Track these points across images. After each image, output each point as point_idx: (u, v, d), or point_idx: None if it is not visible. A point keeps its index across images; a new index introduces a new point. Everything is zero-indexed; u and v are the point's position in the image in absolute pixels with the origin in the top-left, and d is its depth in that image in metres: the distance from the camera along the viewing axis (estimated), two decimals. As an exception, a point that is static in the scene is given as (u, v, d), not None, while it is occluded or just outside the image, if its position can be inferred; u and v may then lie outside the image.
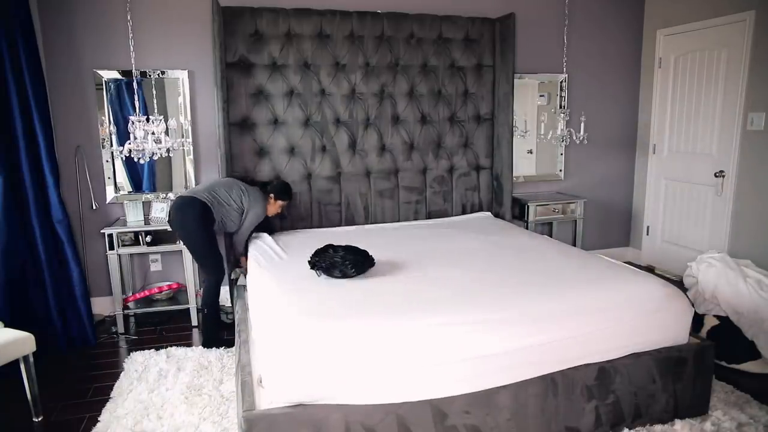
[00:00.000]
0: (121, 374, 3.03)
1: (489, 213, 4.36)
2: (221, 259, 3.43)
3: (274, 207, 3.58)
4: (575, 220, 4.54)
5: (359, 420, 2.00)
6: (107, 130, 3.68)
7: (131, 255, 3.95)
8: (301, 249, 3.11)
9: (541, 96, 4.70)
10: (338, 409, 1.98)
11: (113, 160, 3.81)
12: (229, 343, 3.30)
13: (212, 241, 3.32)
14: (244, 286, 3.37)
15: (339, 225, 4.05)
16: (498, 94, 4.28)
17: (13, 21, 3.09)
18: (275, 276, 2.74)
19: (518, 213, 4.43)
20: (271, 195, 3.54)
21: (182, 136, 3.87)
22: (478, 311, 2.19)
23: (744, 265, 3.31)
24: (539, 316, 2.21)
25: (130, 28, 3.56)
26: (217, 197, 3.33)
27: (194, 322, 3.78)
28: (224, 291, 4.12)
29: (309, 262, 2.69)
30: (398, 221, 4.16)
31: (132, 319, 3.91)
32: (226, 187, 3.41)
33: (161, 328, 3.75)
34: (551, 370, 2.21)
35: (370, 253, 2.71)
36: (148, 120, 3.23)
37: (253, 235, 3.59)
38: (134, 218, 3.79)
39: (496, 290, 2.43)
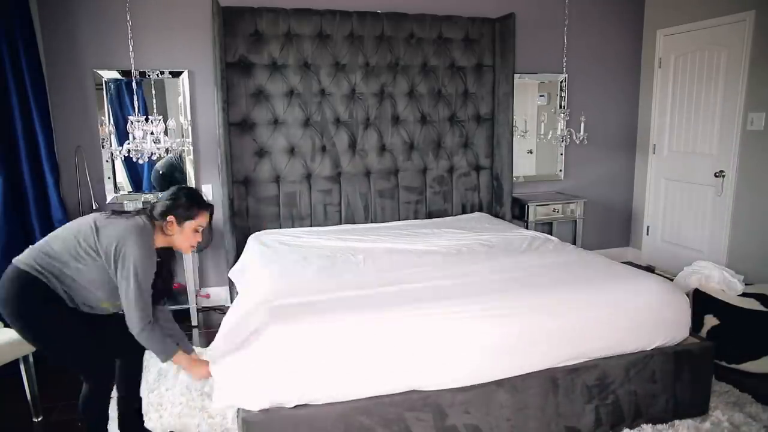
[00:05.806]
0: (121, 374, 3.02)
1: (483, 213, 4.34)
2: (97, 358, 2.04)
3: (183, 234, 2.07)
4: (575, 220, 4.54)
5: (358, 419, 2.00)
6: (107, 130, 3.67)
7: (131, 255, 3.94)
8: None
9: (541, 96, 4.70)
10: (337, 407, 1.98)
11: (113, 160, 3.80)
12: None
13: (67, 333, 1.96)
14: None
15: (339, 224, 4.03)
16: (498, 94, 4.28)
17: (13, 21, 3.09)
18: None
19: (518, 213, 4.43)
20: (169, 217, 2.03)
21: (182, 136, 3.86)
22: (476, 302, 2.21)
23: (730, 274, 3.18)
24: (536, 308, 2.23)
25: (129, 28, 3.56)
26: (51, 256, 1.94)
27: (194, 322, 3.78)
28: (224, 290, 4.12)
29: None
30: (398, 221, 4.14)
31: (132, 319, 3.90)
32: (68, 232, 1.99)
33: (161, 328, 3.74)
34: (549, 365, 2.21)
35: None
36: (147, 120, 3.23)
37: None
38: (134, 218, 3.78)
39: (491, 283, 2.45)
